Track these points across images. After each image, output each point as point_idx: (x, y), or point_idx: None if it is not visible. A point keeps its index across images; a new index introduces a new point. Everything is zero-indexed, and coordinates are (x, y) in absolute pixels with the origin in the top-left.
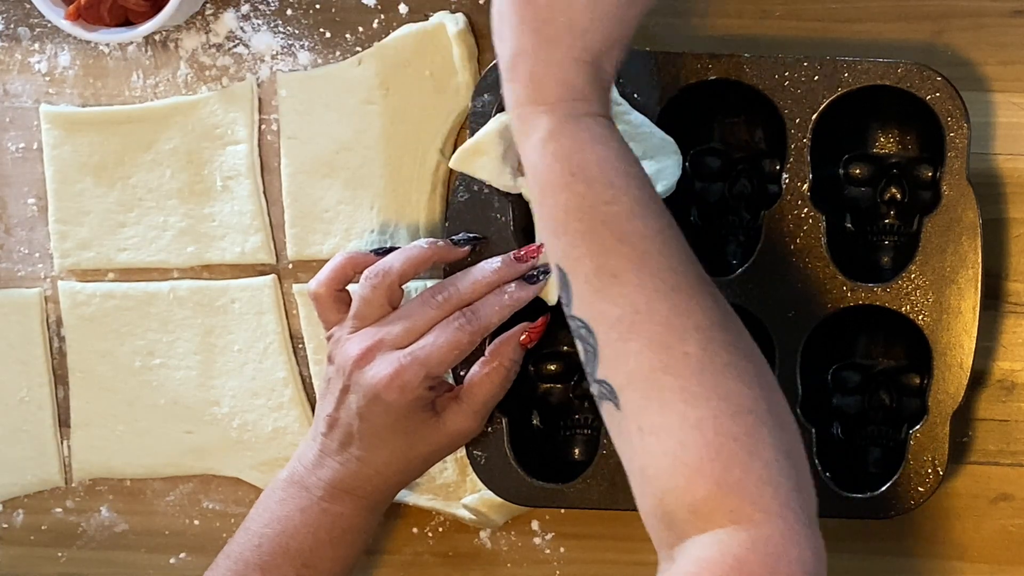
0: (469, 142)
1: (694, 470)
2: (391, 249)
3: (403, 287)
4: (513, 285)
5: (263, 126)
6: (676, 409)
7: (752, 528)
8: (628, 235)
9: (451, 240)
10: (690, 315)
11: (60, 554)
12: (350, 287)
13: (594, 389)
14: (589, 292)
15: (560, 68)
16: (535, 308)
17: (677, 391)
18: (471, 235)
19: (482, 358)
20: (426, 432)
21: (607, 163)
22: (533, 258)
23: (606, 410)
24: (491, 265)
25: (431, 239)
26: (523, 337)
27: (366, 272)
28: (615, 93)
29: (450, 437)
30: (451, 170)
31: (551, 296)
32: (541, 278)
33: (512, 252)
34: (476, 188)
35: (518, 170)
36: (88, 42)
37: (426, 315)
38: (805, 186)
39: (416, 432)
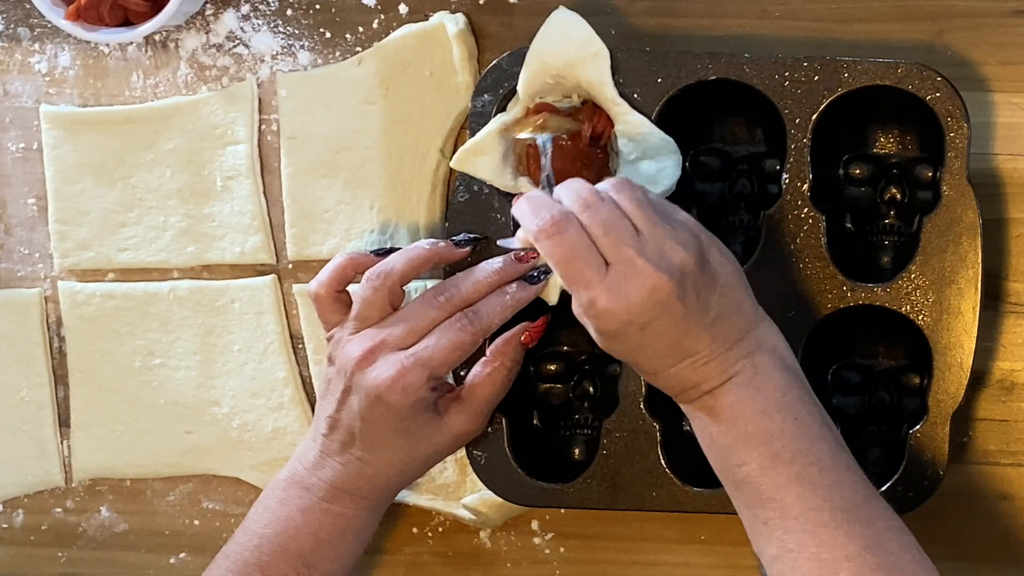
0: (470, 142)
1: None
2: (392, 250)
3: (404, 288)
4: (514, 286)
5: (263, 126)
6: None
7: None
8: (765, 490)
9: (452, 240)
10: (838, 547)
11: (60, 554)
12: (350, 288)
13: None
14: (752, 535)
15: (671, 376)
16: (535, 308)
17: None
18: (472, 235)
19: (483, 358)
20: (428, 433)
21: (730, 433)
22: (534, 259)
23: None
24: (492, 265)
25: (432, 240)
26: (524, 337)
27: (367, 273)
28: (615, 93)
29: (452, 437)
30: (451, 170)
31: (552, 296)
32: (542, 278)
33: (513, 252)
34: (476, 188)
35: (518, 170)
36: (88, 42)
37: (428, 316)
38: (805, 186)
39: (418, 433)
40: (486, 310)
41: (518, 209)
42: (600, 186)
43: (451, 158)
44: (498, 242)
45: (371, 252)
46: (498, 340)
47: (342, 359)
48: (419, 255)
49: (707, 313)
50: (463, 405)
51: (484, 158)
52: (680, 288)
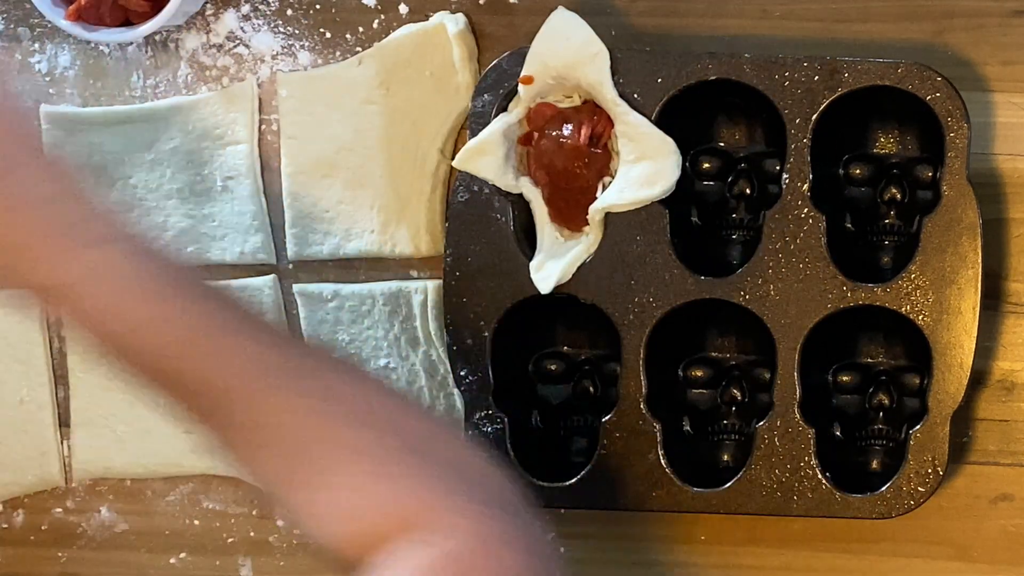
0: (473, 142)
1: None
2: None
3: None
4: None
5: (263, 126)
6: None
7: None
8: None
9: None
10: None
11: (60, 554)
12: None
13: None
14: None
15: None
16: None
17: None
18: None
19: None
20: None
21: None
22: None
23: None
24: None
25: None
26: None
27: None
28: (614, 93)
29: None
30: (451, 170)
31: (545, 285)
32: None
33: None
34: (476, 188)
35: (518, 170)
36: (88, 42)
37: None
38: (805, 186)
39: None
40: None
41: None
42: None
43: (451, 158)
44: None
45: None
46: None
47: None
48: None
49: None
50: None
51: (487, 158)
52: None
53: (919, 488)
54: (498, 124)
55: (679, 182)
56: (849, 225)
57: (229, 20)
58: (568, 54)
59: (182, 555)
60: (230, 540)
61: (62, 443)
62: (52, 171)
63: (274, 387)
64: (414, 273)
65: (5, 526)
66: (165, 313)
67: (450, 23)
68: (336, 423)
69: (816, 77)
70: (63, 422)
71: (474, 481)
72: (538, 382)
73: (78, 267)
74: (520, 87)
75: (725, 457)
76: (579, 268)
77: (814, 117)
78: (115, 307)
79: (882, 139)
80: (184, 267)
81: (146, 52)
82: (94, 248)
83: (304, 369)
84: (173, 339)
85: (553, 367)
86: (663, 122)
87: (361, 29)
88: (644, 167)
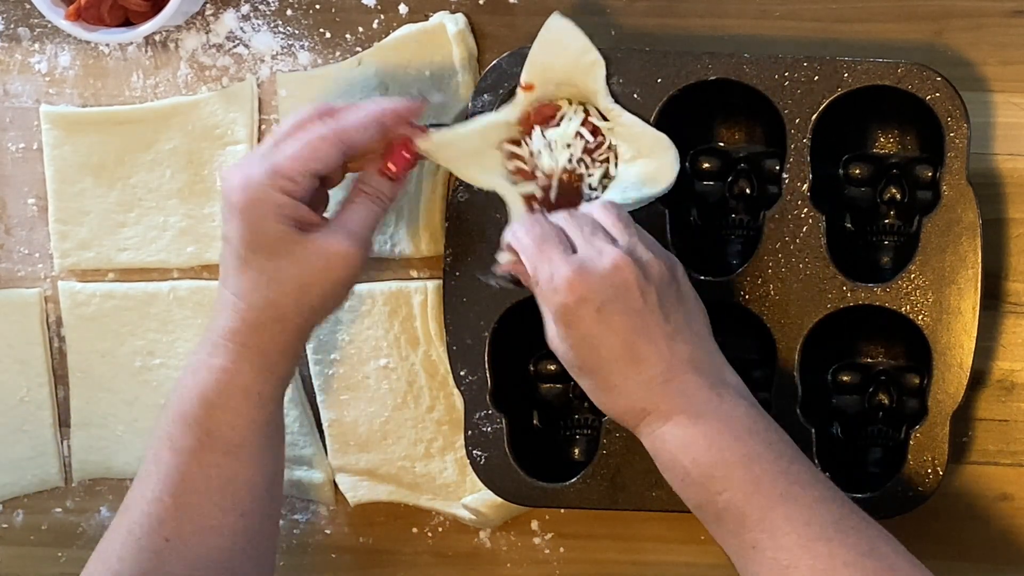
0: (445, 132)
1: None
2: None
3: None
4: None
5: (263, 126)
6: None
7: None
8: (751, 513)
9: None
10: (834, 556)
11: (60, 554)
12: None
13: None
14: (741, 562)
15: (630, 391)
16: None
17: None
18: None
19: (352, 192)
20: (291, 249)
21: (706, 461)
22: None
23: None
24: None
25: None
26: (385, 168)
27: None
28: (609, 100)
29: (323, 258)
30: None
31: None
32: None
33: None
34: (476, 188)
35: (507, 170)
36: (88, 42)
37: (293, 123)
38: (805, 186)
39: (279, 249)
40: (346, 112)
41: (509, 230)
42: (586, 207)
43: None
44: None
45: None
46: (361, 173)
47: None
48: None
49: (667, 322)
50: (331, 225)
51: (451, 150)
52: (643, 280)
53: (919, 488)
54: (476, 124)
55: (679, 182)
56: (849, 225)
57: (229, 20)
58: (566, 64)
59: None
60: None
61: (61, 443)
62: (683, 316)
63: (822, 538)
64: (414, 273)
65: (5, 526)
66: (739, 458)
67: (450, 23)
68: None
69: (816, 77)
70: (63, 422)
71: None
72: (538, 382)
73: (701, 404)
74: (519, 92)
75: None
76: None
77: (814, 117)
78: (705, 444)
79: (882, 139)
80: (762, 416)
81: (146, 52)
82: (716, 389)
83: (848, 524)
84: (739, 479)
85: (553, 367)
86: (663, 122)
87: (361, 29)
88: (643, 165)
